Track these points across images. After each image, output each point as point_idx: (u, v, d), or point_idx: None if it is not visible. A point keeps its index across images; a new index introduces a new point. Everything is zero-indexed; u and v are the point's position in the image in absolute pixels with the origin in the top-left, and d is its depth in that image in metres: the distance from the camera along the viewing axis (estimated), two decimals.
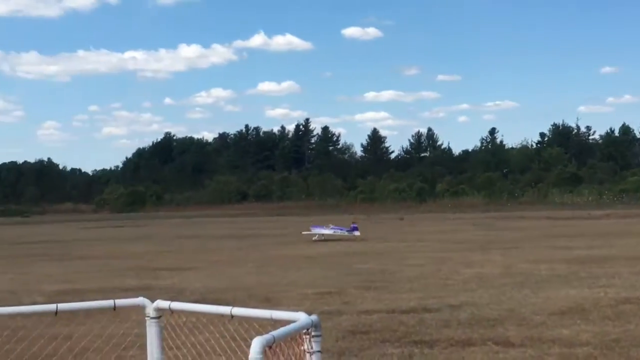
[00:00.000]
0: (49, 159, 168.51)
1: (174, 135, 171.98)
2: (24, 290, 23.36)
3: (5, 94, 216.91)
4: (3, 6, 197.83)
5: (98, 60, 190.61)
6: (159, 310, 6.82)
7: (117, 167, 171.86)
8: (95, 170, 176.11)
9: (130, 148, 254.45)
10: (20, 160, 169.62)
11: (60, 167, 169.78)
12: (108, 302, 6.97)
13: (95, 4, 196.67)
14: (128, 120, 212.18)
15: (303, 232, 47.40)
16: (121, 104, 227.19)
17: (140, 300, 6.95)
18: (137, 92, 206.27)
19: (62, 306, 6.86)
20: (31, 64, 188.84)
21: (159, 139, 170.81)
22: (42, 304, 18.08)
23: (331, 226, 48.55)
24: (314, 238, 45.91)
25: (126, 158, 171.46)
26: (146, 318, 6.88)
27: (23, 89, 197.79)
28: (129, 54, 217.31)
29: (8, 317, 7.48)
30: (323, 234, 46.95)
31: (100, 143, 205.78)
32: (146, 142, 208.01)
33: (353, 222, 49.23)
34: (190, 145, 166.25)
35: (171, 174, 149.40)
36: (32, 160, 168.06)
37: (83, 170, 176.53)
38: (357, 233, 46.68)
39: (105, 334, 9.58)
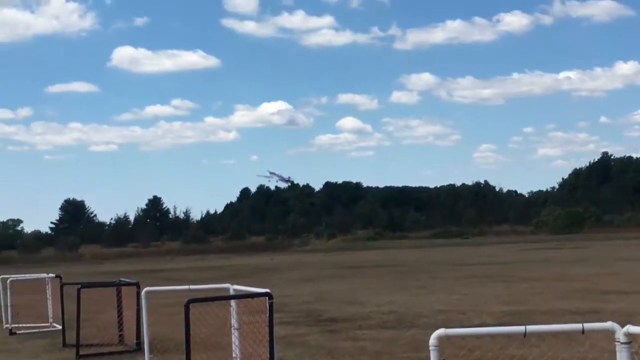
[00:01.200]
0: (485, 181, 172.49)
1: (611, 155, 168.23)
2: (472, 310, 24.00)
3: (443, 119, 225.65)
4: (440, 34, 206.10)
5: (532, 82, 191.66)
6: (629, 335, 6.68)
7: (553, 188, 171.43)
8: (531, 191, 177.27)
9: (566, 169, 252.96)
10: (458, 183, 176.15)
11: (497, 189, 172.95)
12: (576, 326, 6.96)
13: (529, 26, 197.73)
14: (563, 141, 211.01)
15: (257, 175, 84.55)
16: (556, 125, 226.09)
17: (609, 324, 6.87)
18: (571, 112, 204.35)
19: (531, 328, 6.97)
20: (467, 89, 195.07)
21: (595, 159, 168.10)
22: (491, 325, 18.52)
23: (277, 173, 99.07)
24: (271, 180, 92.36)
25: (562, 179, 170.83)
26: (616, 343, 6.77)
27: (459, 114, 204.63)
28: (563, 74, 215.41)
29: (471, 336, 7.73)
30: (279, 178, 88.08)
31: (535, 164, 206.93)
32: (582, 162, 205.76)
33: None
34: (629, 164, 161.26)
35: (610, 194, 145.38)
36: (469, 182, 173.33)
37: (519, 192, 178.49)
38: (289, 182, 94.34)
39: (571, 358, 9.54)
